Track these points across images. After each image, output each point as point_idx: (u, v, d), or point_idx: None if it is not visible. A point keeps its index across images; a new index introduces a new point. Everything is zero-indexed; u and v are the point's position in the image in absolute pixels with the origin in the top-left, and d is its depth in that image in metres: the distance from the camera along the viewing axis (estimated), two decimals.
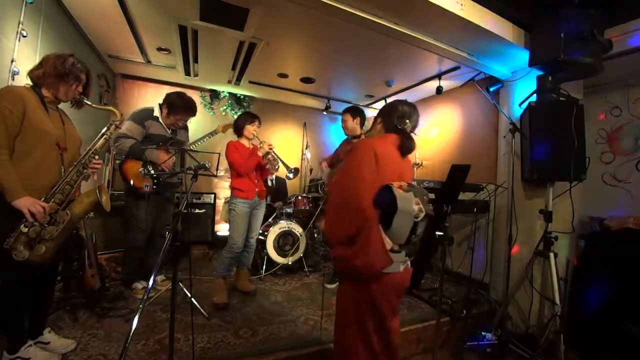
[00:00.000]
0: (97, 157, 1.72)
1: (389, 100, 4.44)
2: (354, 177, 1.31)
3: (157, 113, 2.61)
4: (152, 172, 2.51)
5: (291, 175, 3.14)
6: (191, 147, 2.77)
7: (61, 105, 1.73)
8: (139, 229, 2.53)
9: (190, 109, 2.62)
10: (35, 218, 1.47)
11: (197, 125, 4.49)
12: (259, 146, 2.70)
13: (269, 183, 4.24)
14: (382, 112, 1.55)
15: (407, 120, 1.46)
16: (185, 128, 2.85)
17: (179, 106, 2.56)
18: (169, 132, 2.64)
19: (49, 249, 1.52)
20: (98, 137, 1.74)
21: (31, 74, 1.60)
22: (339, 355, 1.43)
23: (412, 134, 1.50)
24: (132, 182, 2.45)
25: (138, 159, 2.48)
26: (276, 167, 2.89)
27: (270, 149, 2.70)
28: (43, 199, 1.52)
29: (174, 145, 2.64)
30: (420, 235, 1.36)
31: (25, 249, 1.46)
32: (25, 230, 1.46)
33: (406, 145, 1.43)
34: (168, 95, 2.59)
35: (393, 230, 1.27)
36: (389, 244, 1.28)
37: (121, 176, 2.52)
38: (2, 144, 1.43)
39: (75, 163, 1.66)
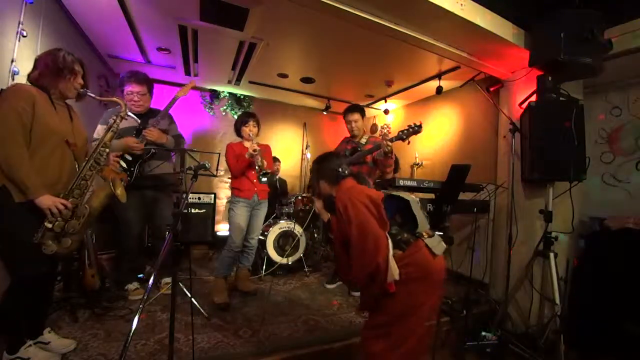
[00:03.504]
0: (107, 150, 1.74)
1: (389, 100, 4.45)
2: (369, 233, 1.30)
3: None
4: (123, 164, 2.39)
5: (263, 179, 2.77)
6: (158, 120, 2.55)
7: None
8: (127, 231, 2.48)
9: (133, 74, 2.47)
10: (59, 215, 1.52)
11: (197, 126, 4.51)
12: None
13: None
14: (320, 177, 1.61)
15: (343, 166, 1.55)
16: (164, 116, 2.60)
17: (127, 77, 2.45)
18: (139, 121, 2.52)
19: (74, 242, 1.61)
20: (106, 130, 1.75)
21: (29, 78, 1.61)
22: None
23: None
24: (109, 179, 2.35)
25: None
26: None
27: (254, 151, 2.52)
28: (62, 195, 1.56)
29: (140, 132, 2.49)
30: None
31: (54, 243, 1.53)
32: (50, 225, 1.51)
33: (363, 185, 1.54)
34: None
35: (420, 219, 1.43)
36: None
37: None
38: (22, 142, 1.45)
39: (87, 158, 1.68)
